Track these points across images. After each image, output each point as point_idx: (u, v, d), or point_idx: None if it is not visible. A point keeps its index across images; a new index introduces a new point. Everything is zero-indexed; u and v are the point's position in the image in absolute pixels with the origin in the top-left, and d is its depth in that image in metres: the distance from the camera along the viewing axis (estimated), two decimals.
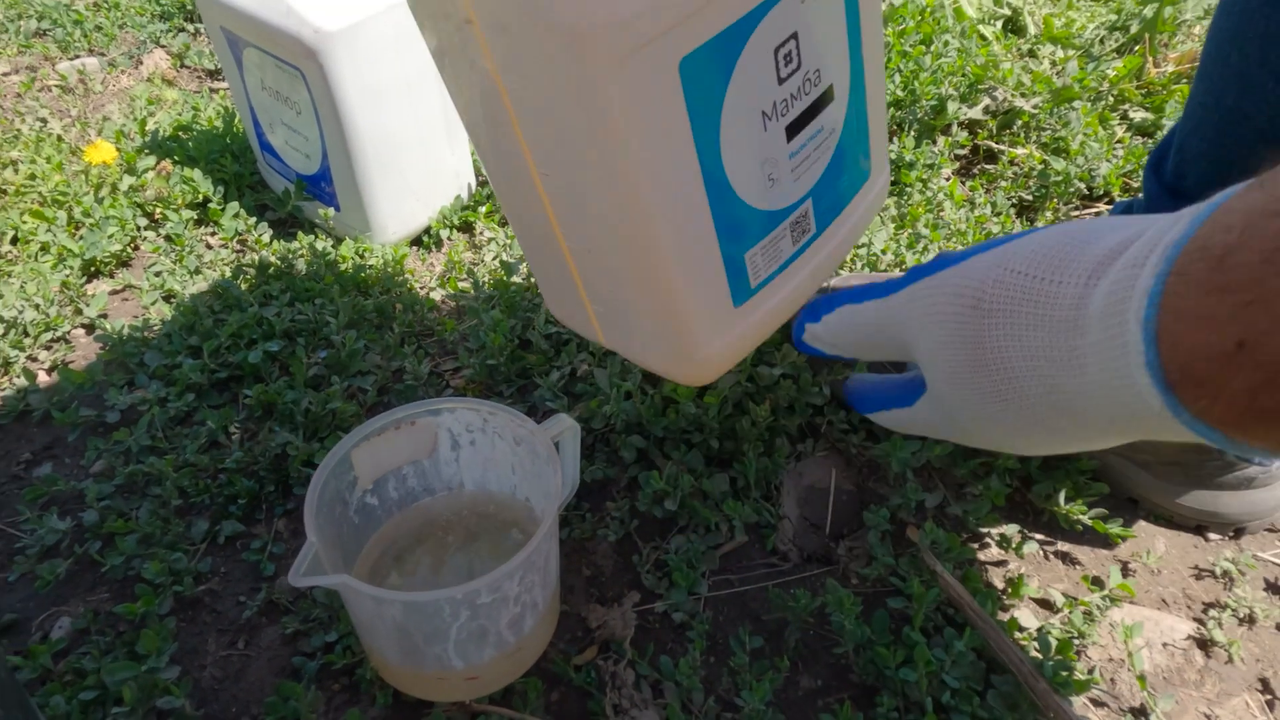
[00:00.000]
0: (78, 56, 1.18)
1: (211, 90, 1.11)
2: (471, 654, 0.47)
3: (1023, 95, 0.92)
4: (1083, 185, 0.85)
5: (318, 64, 0.70)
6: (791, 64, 0.43)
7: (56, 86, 1.09)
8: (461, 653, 0.47)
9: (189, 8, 1.24)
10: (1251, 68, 0.45)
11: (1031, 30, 1.08)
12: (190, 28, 1.23)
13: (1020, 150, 0.88)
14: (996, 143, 0.91)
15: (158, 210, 0.85)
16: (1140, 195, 0.59)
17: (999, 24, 1.09)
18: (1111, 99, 0.95)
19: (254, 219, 0.83)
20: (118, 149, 0.87)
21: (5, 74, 1.14)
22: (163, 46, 1.19)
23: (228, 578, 0.57)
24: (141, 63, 1.16)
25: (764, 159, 0.44)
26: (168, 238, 0.83)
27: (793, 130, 0.45)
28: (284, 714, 0.49)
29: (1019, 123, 0.91)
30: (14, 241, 0.81)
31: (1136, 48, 1.00)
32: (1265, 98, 0.45)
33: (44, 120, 0.99)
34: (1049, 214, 0.84)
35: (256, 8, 0.71)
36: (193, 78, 1.15)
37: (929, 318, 0.30)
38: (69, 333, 0.74)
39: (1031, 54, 1.05)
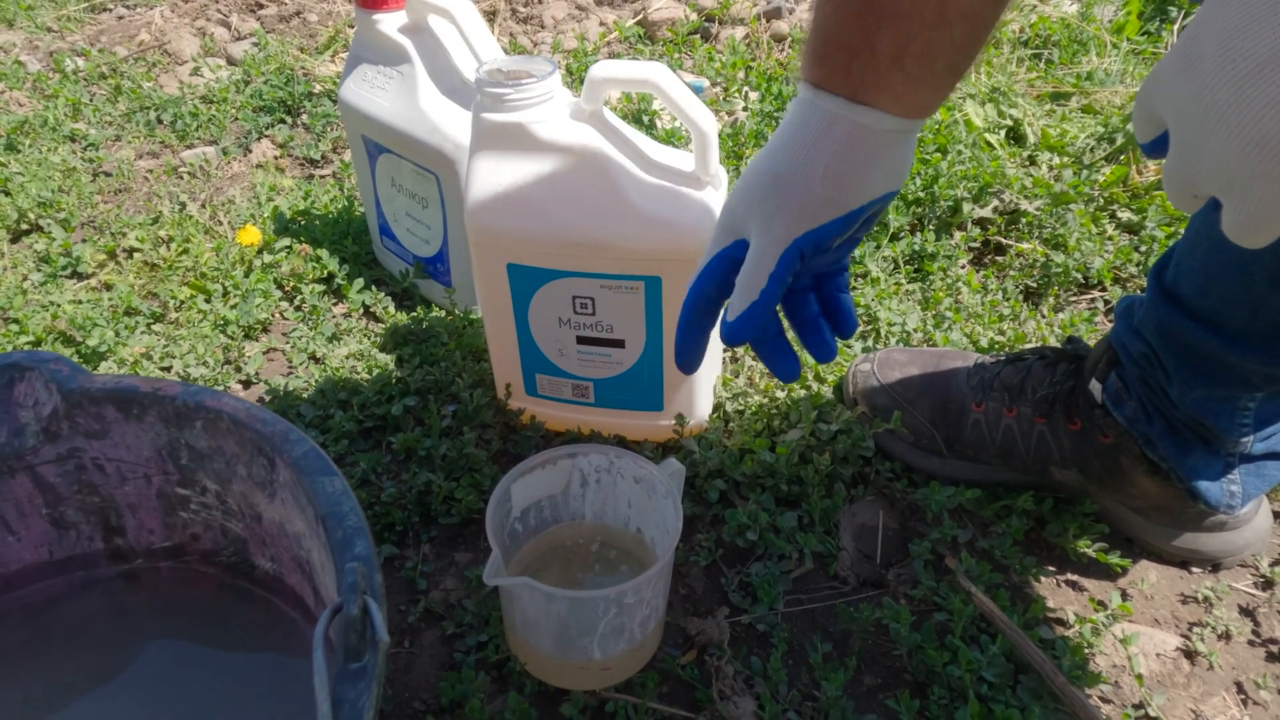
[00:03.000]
0: (194, 145, 1.34)
1: (319, 176, 1.27)
2: (609, 646, 0.59)
3: (1026, 198, 1.08)
4: (1079, 276, 1.00)
5: (453, 170, 0.86)
6: (586, 310, 0.74)
7: (186, 173, 1.24)
8: (602, 645, 0.59)
9: (288, 103, 1.41)
10: None
11: (1031, 139, 1.25)
12: (289, 120, 1.40)
13: (1025, 245, 1.04)
14: (1005, 238, 1.06)
15: (290, 284, 1.00)
16: (1140, 292, 0.73)
17: (1003, 133, 1.26)
18: (1102, 200, 1.11)
19: (381, 292, 0.97)
20: (261, 232, 1.02)
21: (136, 158, 1.30)
22: (268, 136, 1.35)
23: (389, 590, 0.70)
24: (250, 151, 1.33)
25: (557, 340, 0.76)
26: (300, 308, 0.97)
27: (582, 340, 0.76)
28: (454, 696, 0.61)
29: (1024, 221, 1.07)
30: (178, 309, 0.95)
31: (1122, 157, 1.17)
32: None
33: (183, 204, 1.14)
34: (1051, 299, 0.99)
35: (404, 124, 0.87)
36: (295, 164, 1.31)
37: None
38: (229, 388, 0.88)
39: (1032, 160, 1.21)
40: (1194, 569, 0.73)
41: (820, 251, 0.49)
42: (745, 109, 1.32)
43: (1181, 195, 0.39)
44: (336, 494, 0.38)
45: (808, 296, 0.54)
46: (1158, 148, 0.40)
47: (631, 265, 0.71)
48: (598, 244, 0.70)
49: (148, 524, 0.49)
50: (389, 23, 0.87)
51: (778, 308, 0.51)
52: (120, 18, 1.76)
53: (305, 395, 0.84)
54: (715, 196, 0.73)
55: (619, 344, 0.76)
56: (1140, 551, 0.74)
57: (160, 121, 1.38)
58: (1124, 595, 0.70)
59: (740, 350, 0.91)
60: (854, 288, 1.00)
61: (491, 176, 0.71)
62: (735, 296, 0.49)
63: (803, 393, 0.83)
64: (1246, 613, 0.70)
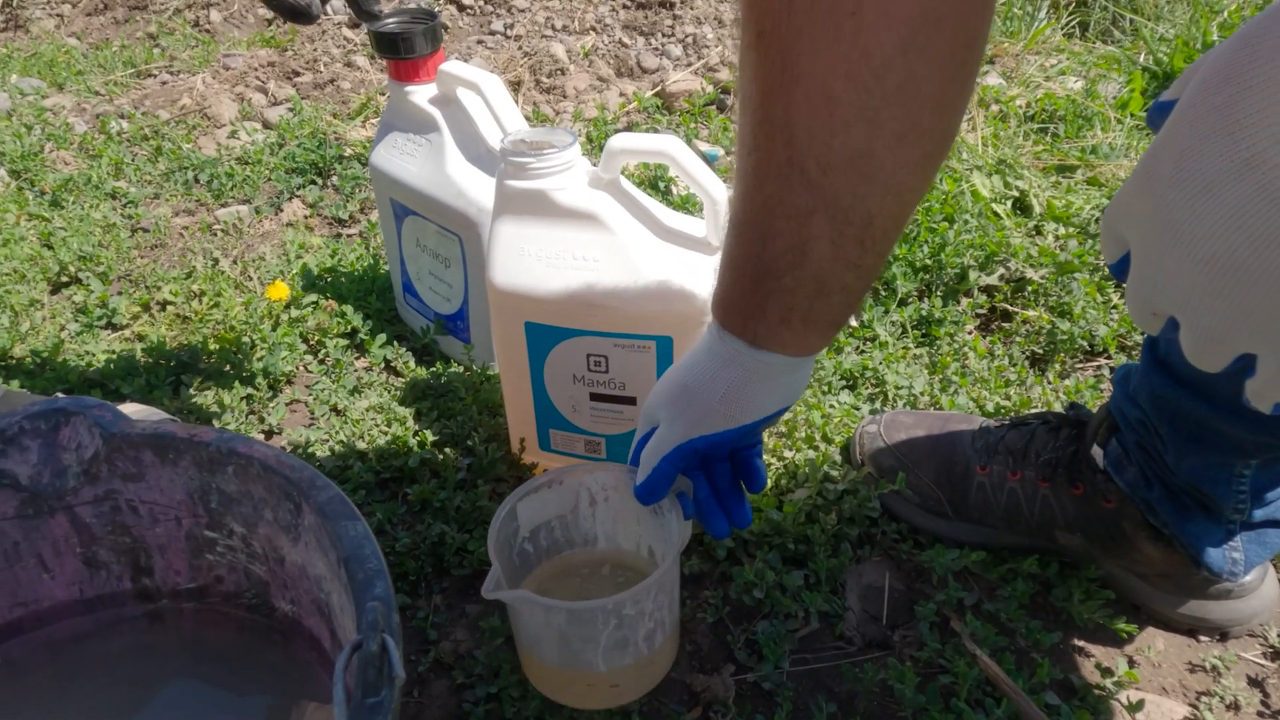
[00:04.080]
0: (229, 204, 1.40)
1: (346, 235, 1.31)
2: (614, 660, 0.59)
3: (1032, 266, 1.11)
4: (1085, 343, 1.02)
5: (475, 232, 0.90)
6: (600, 368, 0.77)
7: (220, 230, 1.30)
8: (607, 659, 0.59)
9: (319, 165, 1.47)
10: None
11: (1037, 210, 1.28)
12: (319, 181, 1.46)
13: (1031, 312, 1.06)
14: (1011, 305, 1.09)
15: (315, 338, 1.03)
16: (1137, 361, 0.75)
17: (1009, 203, 1.30)
18: (1106, 270, 1.13)
19: (402, 348, 1.00)
20: (289, 288, 1.06)
21: (173, 216, 1.36)
22: (299, 196, 1.41)
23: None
24: (281, 210, 1.38)
25: (571, 397, 0.79)
26: (324, 361, 1.01)
27: (595, 397, 0.78)
28: None
29: (1029, 289, 1.09)
30: (207, 359, 0.99)
31: None
32: None
33: (215, 260, 1.19)
34: (1057, 366, 1.01)
35: (431, 189, 0.91)
36: (324, 224, 1.36)
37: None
38: (253, 436, 0.91)
39: (1038, 230, 1.25)
40: (1201, 637, 0.73)
41: (716, 449, 0.57)
42: None
43: (1143, 313, 0.40)
44: (359, 537, 0.40)
45: (725, 466, 0.61)
46: (1123, 269, 0.41)
47: (644, 325, 0.74)
48: (612, 305, 0.73)
49: (175, 565, 0.51)
50: (420, 94, 0.92)
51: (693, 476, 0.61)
52: (164, 83, 1.85)
53: (326, 446, 0.87)
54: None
55: (630, 401, 0.78)
56: (1147, 618, 0.74)
57: (197, 181, 1.45)
58: (1131, 662, 0.70)
59: None
60: (862, 350, 1.03)
61: (513, 239, 0.75)
62: (640, 467, 0.60)
63: (810, 453, 0.84)
64: (1255, 683, 0.69)
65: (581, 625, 0.58)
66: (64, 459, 0.48)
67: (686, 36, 2.72)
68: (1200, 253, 0.33)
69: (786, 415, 0.89)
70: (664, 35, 2.72)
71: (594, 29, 2.77)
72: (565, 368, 0.78)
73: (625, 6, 2.80)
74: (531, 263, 0.74)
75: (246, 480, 0.46)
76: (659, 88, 1.65)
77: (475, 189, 0.89)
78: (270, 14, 2.75)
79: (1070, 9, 2.40)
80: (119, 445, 0.47)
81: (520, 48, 2.02)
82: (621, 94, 1.68)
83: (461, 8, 2.87)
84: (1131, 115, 1.55)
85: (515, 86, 1.68)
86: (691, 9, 2.74)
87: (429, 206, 0.93)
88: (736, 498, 0.62)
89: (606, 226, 0.73)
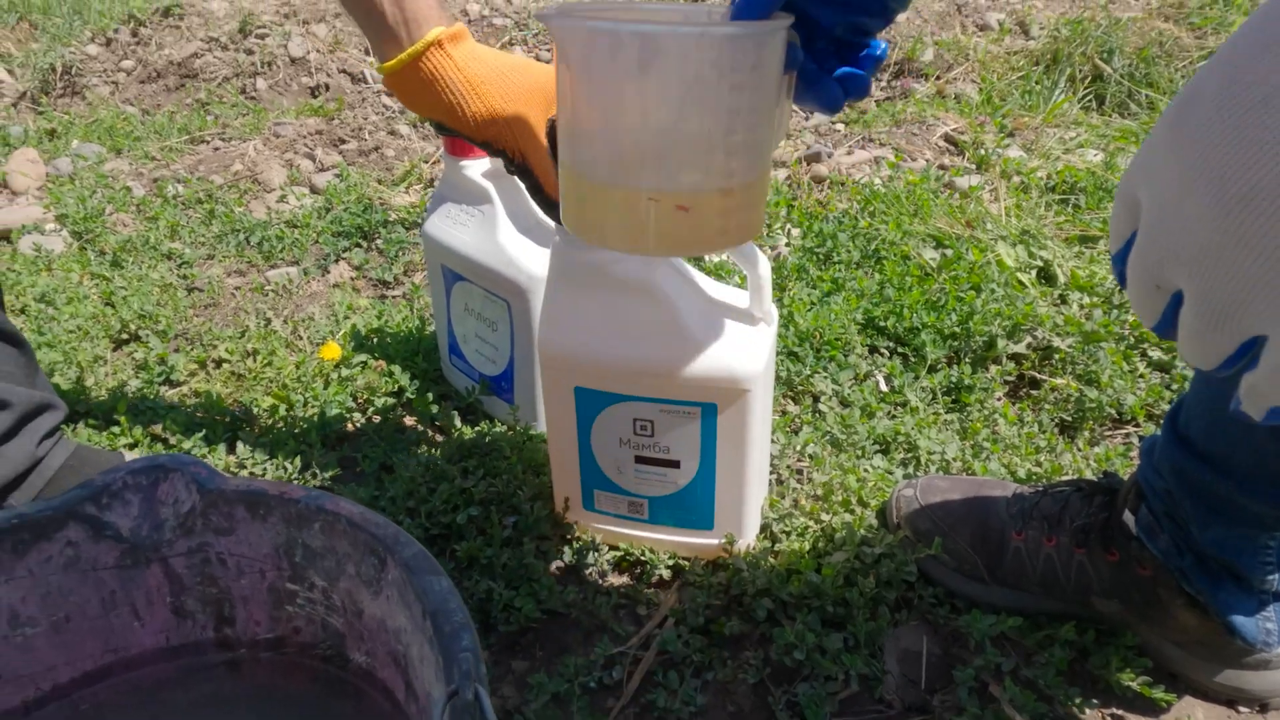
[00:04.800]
0: (278, 265, 1.46)
1: (390, 297, 1.37)
2: (687, 171, 0.54)
3: (1058, 335, 1.14)
4: (1113, 412, 1.04)
5: (524, 298, 0.94)
6: (646, 432, 0.79)
7: (271, 291, 1.35)
8: (676, 165, 0.54)
9: (365, 229, 1.53)
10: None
11: (1061, 279, 1.31)
12: (365, 244, 1.52)
13: (1059, 381, 1.09)
14: (1039, 373, 1.11)
15: (363, 396, 1.07)
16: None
17: (1034, 272, 1.33)
18: (1132, 339, 1.16)
19: (448, 406, 1.04)
20: (341, 348, 1.10)
21: (226, 276, 1.42)
22: (345, 259, 1.47)
23: None
24: (329, 271, 1.44)
25: (616, 459, 0.82)
26: (372, 419, 1.04)
27: (640, 460, 0.81)
28: None
29: (1056, 357, 1.12)
30: (262, 415, 1.03)
31: None
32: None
33: (268, 320, 1.24)
34: (1086, 433, 1.03)
35: (482, 257, 0.96)
36: (369, 285, 1.41)
37: None
38: None
39: (1063, 299, 1.28)
40: (1241, 708, 0.73)
41: None
42: (788, 244, 1.41)
43: (1144, 288, 0.34)
44: (444, 591, 0.43)
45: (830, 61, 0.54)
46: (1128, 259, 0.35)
47: (690, 392, 0.77)
48: (659, 372, 0.77)
49: (256, 616, 0.54)
50: (474, 168, 0.98)
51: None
52: (216, 149, 1.94)
53: (377, 503, 0.90)
54: (768, 332, 0.79)
55: (675, 464, 0.81)
56: (1185, 687, 0.74)
57: (248, 242, 1.51)
58: None
59: (784, 473, 0.95)
60: (893, 415, 1.05)
61: (565, 307, 0.79)
62: None
63: (847, 517, 0.87)
64: None
65: (660, 74, 0.49)
66: (162, 513, 0.51)
67: None
68: (1236, 187, 0.27)
69: (822, 479, 0.91)
70: None
71: None
72: (612, 431, 0.81)
73: None
74: (583, 330, 0.78)
75: (332, 536, 0.49)
76: None
77: (525, 258, 0.94)
78: (313, 84, 2.88)
79: (1087, 83, 2.47)
80: (214, 501, 0.51)
81: None
82: None
83: None
84: None
85: None
86: None
87: (480, 274, 0.97)
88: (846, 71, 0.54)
89: (657, 297, 0.77)
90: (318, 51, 2.99)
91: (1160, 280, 0.32)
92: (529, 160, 0.69)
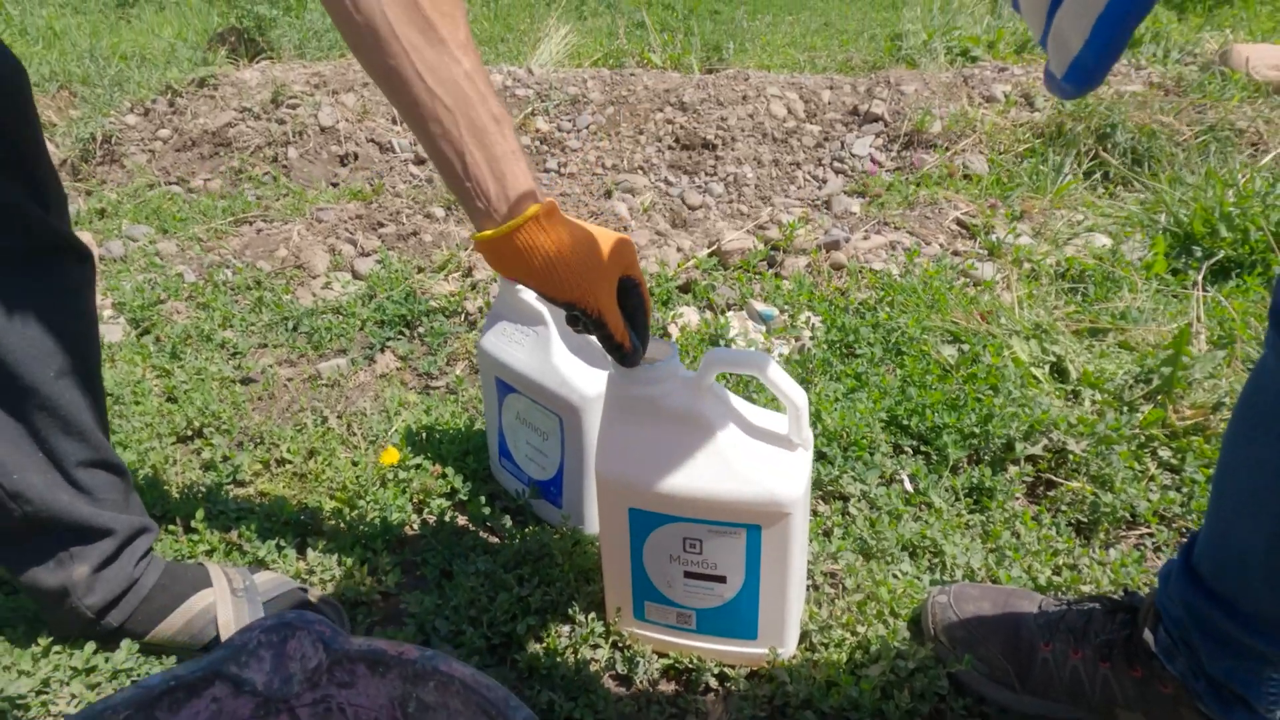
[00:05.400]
0: (326, 354, 1.54)
1: (435, 389, 1.44)
2: None
3: (1073, 437, 1.20)
4: (1127, 515, 1.10)
5: (576, 415, 1.01)
6: (695, 549, 0.87)
7: (323, 385, 1.43)
8: None
9: (407, 318, 1.61)
10: (1236, 510, 0.70)
11: (1073, 375, 1.38)
12: (408, 332, 1.60)
13: (1074, 484, 1.15)
14: (1054, 475, 1.18)
15: (419, 497, 1.14)
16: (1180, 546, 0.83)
17: (1047, 367, 1.40)
18: (1143, 438, 1.22)
19: (498, 507, 1.11)
20: (398, 451, 1.17)
21: (278, 365, 1.49)
22: (390, 348, 1.55)
23: None
24: (375, 361, 1.51)
25: (666, 574, 0.89)
26: (429, 521, 1.11)
27: (689, 575, 0.88)
28: None
29: (1071, 460, 1.19)
30: (326, 518, 1.09)
31: (1159, 397, 1.29)
32: (1257, 530, 0.69)
33: (324, 417, 1.31)
34: (1102, 535, 1.09)
35: (536, 375, 1.03)
36: (414, 375, 1.49)
37: None
38: (373, 601, 1.00)
39: (1075, 394, 1.34)
40: None
41: None
42: (811, 337, 1.49)
43: None
44: None
45: None
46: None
47: (736, 515, 0.84)
48: (707, 497, 0.83)
49: None
50: (528, 291, 1.05)
51: None
52: (260, 231, 2.03)
53: (440, 610, 0.96)
54: (805, 456, 0.86)
55: (721, 579, 0.88)
56: None
57: (297, 330, 1.59)
58: None
59: (819, 578, 1.01)
60: (919, 518, 1.11)
61: (621, 436, 0.86)
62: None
63: (881, 629, 0.93)
64: None
65: None
66: (291, 667, 0.58)
67: (728, 175, 2.92)
68: None
69: (854, 586, 0.97)
70: (707, 174, 2.92)
71: (642, 168, 2.98)
72: (663, 548, 0.88)
73: (670, 147, 3.02)
74: (638, 457, 0.85)
75: (445, 694, 0.56)
76: (715, 247, 1.80)
77: (577, 377, 1.01)
78: (342, 152, 3.00)
79: (1091, 156, 2.56)
80: (339, 659, 0.57)
81: (580, 207, 2.19)
82: (679, 248, 1.83)
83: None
84: (1158, 277, 1.67)
85: None
86: (732, 150, 2.94)
87: (533, 389, 1.05)
88: None
89: (705, 428, 0.84)
90: (347, 121, 3.11)
91: None
92: (605, 317, 0.76)
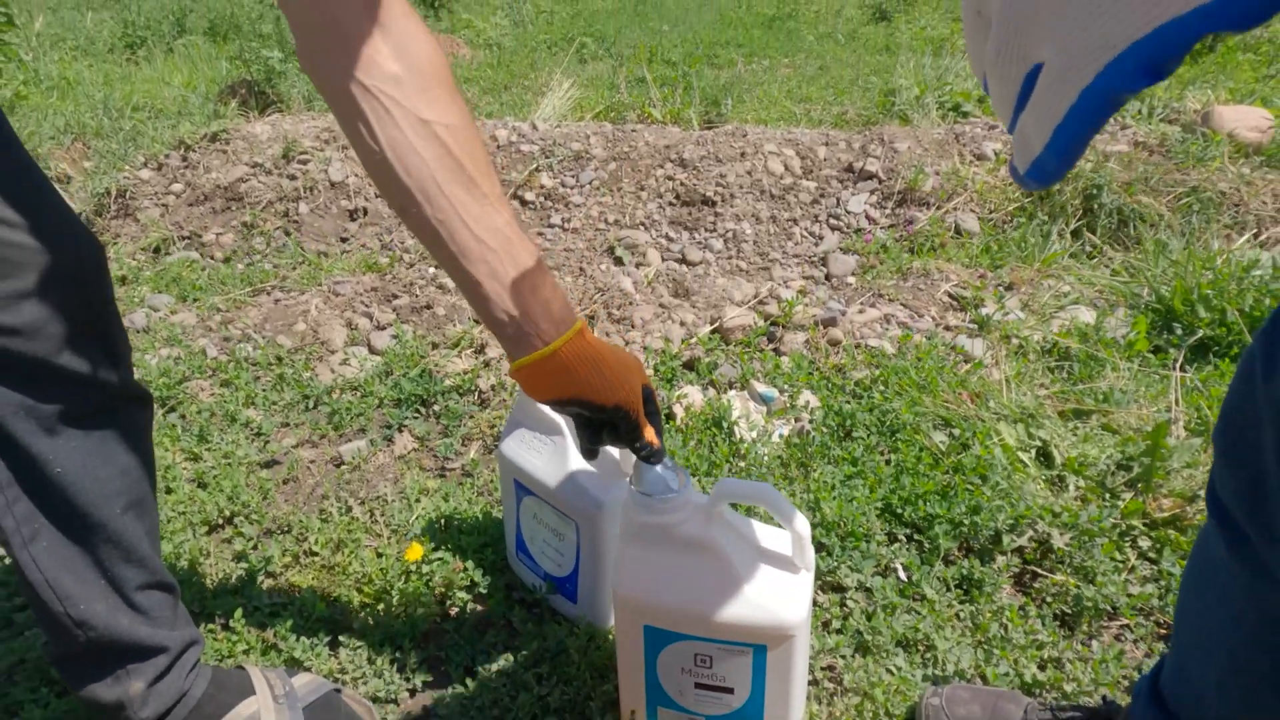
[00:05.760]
0: (345, 434, 1.61)
1: (451, 470, 1.51)
2: None
3: (1057, 529, 1.28)
4: (1108, 608, 1.17)
5: (592, 522, 1.08)
6: (705, 664, 0.93)
7: (346, 467, 1.50)
8: None
9: (423, 397, 1.68)
10: (1190, 647, 0.77)
11: (1058, 460, 1.46)
12: (424, 411, 1.67)
13: (1058, 576, 1.22)
14: (1039, 568, 1.25)
15: (440, 589, 1.21)
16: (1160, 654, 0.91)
17: (1033, 452, 1.48)
18: (1124, 527, 1.30)
19: (516, 600, 1.18)
20: (421, 547, 1.24)
21: (300, 447, 1.56)
22: (407, 428, 1.62)
23: None
24: (393, 442, 1.58)
25: (678, 684, 0.96)
26: (450, 615, 1.18)
27: (699, 685, 0.95)
28: None
29: (1055, 553, 1.26)
30: (354, 612, 1.16)
31: (1139, 485, 1.37)
32: (1209, 669, 0.76)
33: (348, 506, 1.38)
34: (1084, 626, 1.16)
35: (553, 482, 1.10)
36: (431, 457, 1.56)
37: None
38: (400, 698, 1.07)
39: (1060, 479, 1.42)
40: None
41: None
42: (810, 420, 1.56)
43: (967, 11, 0.36)
44: None
45: None
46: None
47: (743, 636, 0.91)
48: (718, 620, 0.90)
49: None
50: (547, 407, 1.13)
51: None
52: (277, 301, 2.11)
53: (465, 711, 1.03)
54: (807, 579, 0.93)
55: (729, 690, 0.94)
56: None
57: (317, 408, 1.66)
58: None
59: (819, 673, 1.08)
60: (911, 609, 1.18)
61: (638, 560, 0.93)
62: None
63: None
64: None
65: None
66: None
67: (727, 232, 3.00)
68: None
69: (854, 699, 1.04)
70: (707, 230, 3.00)
71: (643, 224, 3.07)
72: (676, 661, 0.95)
73: (671, 204, 3.10)
74: (653, 579, 0.92)
75: None
76: (716, 324, 1.87)
77: (593, 487, 1.08)
78: (352, 207, 3.08)
79: (1079, 216, 2.65)
80: None
81: (587, 280, 2.26)
82: (681, 322, 1.91)
83: (524, 203, 3.19)
84: (1140, 355, 1.75)
85: (591, 320, 1.91)
86: (731, 207, 3.03)
87: (550, 495, 1.12)
88: None
89: (715, 553, 0.91)
90: (356, 176, 3.20)
91: (978, 8, 0.34)
92: (637, 417, 0.84)
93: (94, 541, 0.84)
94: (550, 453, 1.13)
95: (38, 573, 0.82)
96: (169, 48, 5.73)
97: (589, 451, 0.92)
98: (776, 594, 0.91)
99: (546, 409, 1.13)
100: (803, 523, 0.91)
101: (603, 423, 0.86)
